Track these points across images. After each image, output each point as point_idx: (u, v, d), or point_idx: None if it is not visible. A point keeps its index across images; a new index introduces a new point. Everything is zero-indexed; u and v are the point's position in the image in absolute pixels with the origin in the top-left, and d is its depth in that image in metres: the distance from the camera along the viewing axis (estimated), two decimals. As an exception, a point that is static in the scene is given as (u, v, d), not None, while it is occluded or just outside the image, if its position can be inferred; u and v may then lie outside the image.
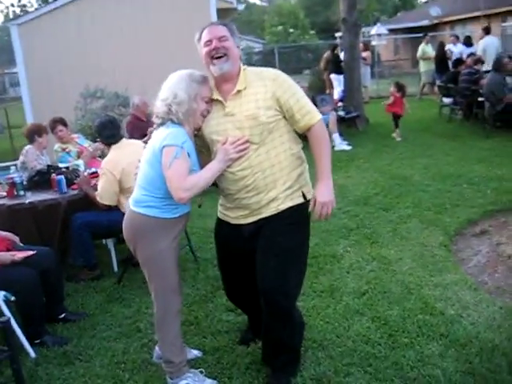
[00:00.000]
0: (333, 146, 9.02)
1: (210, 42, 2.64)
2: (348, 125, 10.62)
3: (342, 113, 10.46)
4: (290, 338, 2.90)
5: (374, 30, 18.70)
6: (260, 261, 2.79)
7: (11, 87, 28.00)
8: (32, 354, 3.41)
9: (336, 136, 9.20)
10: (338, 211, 5.76)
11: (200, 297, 4.06)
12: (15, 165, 5.06)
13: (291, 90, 2.68)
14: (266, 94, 2.65)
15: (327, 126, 9.22)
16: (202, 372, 3.00)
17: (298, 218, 2.79)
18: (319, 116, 2.73)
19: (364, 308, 3.64)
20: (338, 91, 12.52)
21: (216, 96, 2.72)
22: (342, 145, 9.15)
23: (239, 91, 2.67)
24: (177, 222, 2.77)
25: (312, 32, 37.81)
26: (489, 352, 3.02)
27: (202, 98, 2.69)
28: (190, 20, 8.93)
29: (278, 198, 2.74)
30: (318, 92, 12.96)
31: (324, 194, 2.67)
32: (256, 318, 3.13)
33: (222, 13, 10.22)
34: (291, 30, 36.38)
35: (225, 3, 10.14)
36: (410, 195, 6.11)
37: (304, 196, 2.80)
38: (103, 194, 4.27)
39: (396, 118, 9.56)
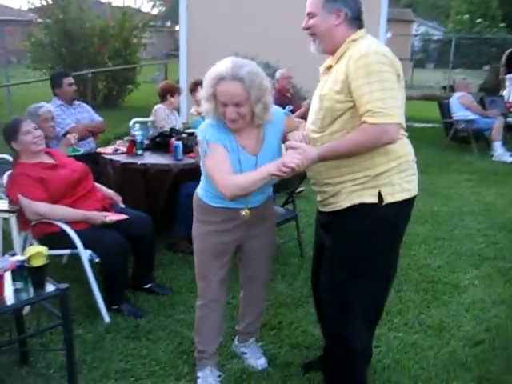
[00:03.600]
0: (491, 156, 8.03)
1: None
2: (517, 134, 9.34)
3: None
4: (347, 370, 2.49)
5: None
6: (321, 272, 2.47)
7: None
8: (106, 319, 3.34)
9: (498, 145, 8.12)
10: (475, 232, 5.01)
11: (292, 299, 3.70)
12: (143, 122, 5.03)
13: (369, 77, 2.04)
14: (342, 74, 2.15)
15: (490, 132, 8.21)
16: (219, 376, 2.77)
17: (367, 221, 2.22)
18: (386, 120, 2.01)
19: (473, 362, 3.00)
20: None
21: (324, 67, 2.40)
22: (503, 156, 8.03)
23: (331, 67, 2.31)
24: (216, 211, 2.50)
25: (502, 25, 34.47)
26: None
27: (218, 99, 2.25)
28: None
29: (341, 193, 2.25)
30: (490, 92, 11.71)
31: (310, 150, 2.13)
32: None
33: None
34: (478, 20, 33.46)
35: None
36: None
37: (380, 196, 2.18)
38: None
39: None
